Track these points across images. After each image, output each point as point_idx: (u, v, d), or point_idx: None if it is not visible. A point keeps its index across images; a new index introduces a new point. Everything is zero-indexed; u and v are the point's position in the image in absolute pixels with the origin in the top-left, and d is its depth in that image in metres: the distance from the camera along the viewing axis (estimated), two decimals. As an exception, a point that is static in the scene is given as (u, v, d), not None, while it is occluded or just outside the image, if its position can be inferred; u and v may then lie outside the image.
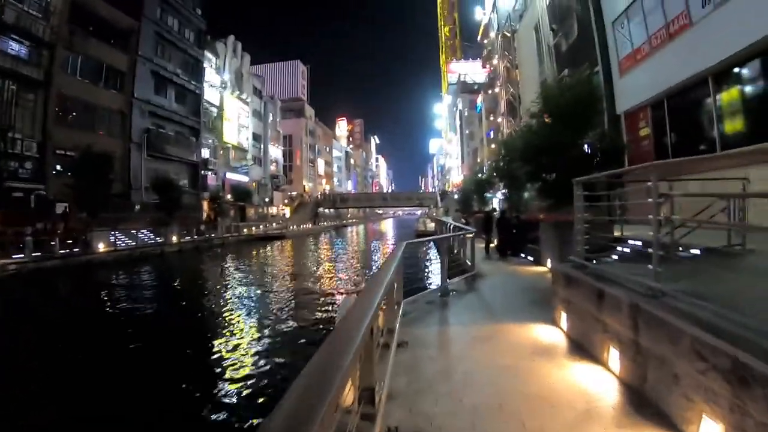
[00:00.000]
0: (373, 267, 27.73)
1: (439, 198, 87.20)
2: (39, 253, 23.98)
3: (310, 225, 73.58)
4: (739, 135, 12.43)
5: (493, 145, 53.49)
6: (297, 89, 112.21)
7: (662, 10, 15.39)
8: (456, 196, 62.79)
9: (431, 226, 49.05)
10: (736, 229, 7.07)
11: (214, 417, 7.50)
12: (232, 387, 8.65)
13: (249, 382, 8.78)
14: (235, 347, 11.35)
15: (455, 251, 15.48)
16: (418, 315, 7.86)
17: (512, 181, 23.40)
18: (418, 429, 3.83)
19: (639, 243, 8.42)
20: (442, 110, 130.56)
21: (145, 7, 42.81)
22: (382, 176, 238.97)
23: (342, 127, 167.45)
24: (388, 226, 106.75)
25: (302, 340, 11.84)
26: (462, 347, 6.18)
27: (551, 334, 6.44)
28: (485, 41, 64.18)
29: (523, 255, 16.54)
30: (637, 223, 11.84)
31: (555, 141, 12.28)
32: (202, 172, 52.06)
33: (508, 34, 45.17)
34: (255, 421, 7.15)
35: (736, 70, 12.62)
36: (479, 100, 68.60)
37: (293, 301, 17.11)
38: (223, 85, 60.44)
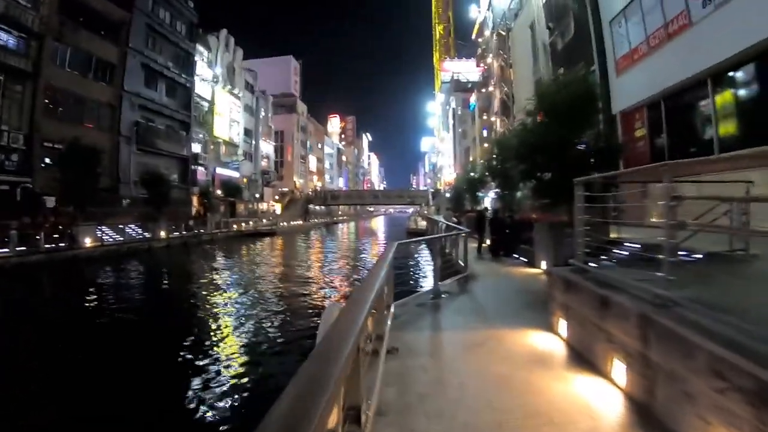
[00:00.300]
0: (363, 267, 27.27)
1: (430, 196, 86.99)
2: (24, 248, 23.47)
3: (301, 222, 73.09)
4: (737, 138, 12.22)
5: (486, 144, 53.33)
6: (289, 85, 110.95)
7: (661, 10, 15.16)
8: (448, 195, 62.55)
9: (423, 224, 48.89)
10: (742, 233, 6.82)
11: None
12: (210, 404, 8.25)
13: (226, 400, 8.35)
14: (215, 355, 10.91)
15: (447, 251, 15.18)
16: (409, 319, 7.51)
17: (505, 181, 23.18)
18: None
19: (637, 246, 8.16)
20: (435, 109, 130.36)
21: None
22: (374, 174, 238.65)
23: (334, 123, 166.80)
24: (379, 224, 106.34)
25: (288, 346, 11.43)
26: (455, 355, 5.84)
27: (549, 342, 6.11)
28: (480, 40, 64.11)
29: (516, 256, 16.23)
30: (632, 225, 11.66)
31: (551, 139, 12.03)
32: (192, 166, 51.49)
33: (503, 33, 45.00)
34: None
35: (737, 71, 12.42)
36: (472, 98, 68.37)
37: (279, 303, 16.60)
38: (215, 80, 59.80)
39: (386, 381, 4.63)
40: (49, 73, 32.81)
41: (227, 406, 7.98)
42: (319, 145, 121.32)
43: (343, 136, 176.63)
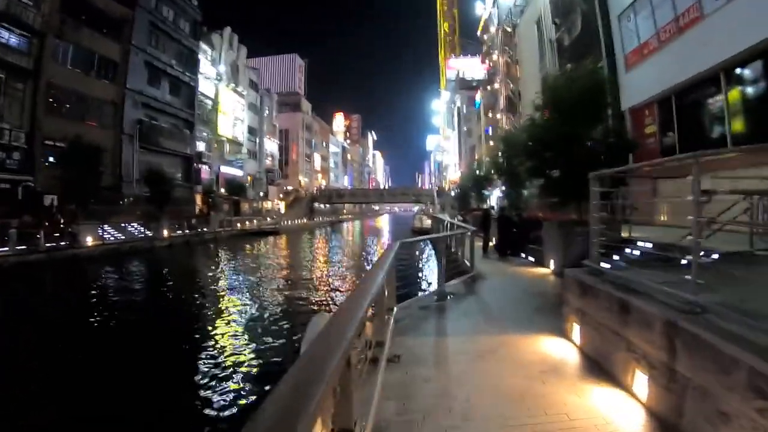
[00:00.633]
0: (370, 266, 26.84)
1: (435, 195, 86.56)
2: (24, 247, 23.16)
3: (305, 220, 72.73)
4: (751, 134, 11.77)
5: (491, 142, 52.90)
6: (294, 83, 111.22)
7: (672, 3, 14.78)
8: (453, 193, 62.18)
9: (428, 223, 48.52)
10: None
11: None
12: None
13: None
14: (209, 360, 10.45)
15: (453, 250, 14.81)
16: (412, 323, 7.09)
17: (512, 178, 22.82)
18: None
19: (649, 245, 7.80)
20: (440, 107, 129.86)
21: None
22: (379, 172, 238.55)
23: (339, 122, 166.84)
24: (384, 223, 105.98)
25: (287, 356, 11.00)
26: (462, 365, 5.37)
27: (562, 349, 5.70)
28: (485, 36, 63.52)
29: (523, 255, 15.83)
30: (651, 224, 11.27)
31: (561, 135, 11.66)
32: (196, 165, 51.13)
33: (509, 29, 44.56)
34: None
35: (751, 65, 11.98)
36: (478, 96, 67.90)
37: (281, 308, 15.89)
38: (219, 78, 59.37)
39: (386, 394, 4.25)
40: (50, 71, 32.44)
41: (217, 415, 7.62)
42: (324, 144, 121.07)
43: (348, 134, 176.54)
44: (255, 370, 9.65)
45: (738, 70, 12.39)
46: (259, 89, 74.89)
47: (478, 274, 11.61)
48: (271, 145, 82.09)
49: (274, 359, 10.26)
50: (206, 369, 9.63)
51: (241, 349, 11.25)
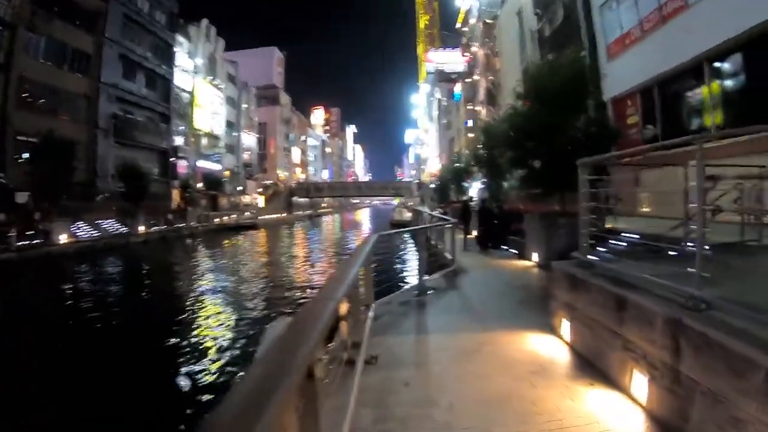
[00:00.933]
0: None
1: (415, 188, 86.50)
2: (-5, 245, 22.35)
3: (284, 214, 72.12)
4: (734, 125, 11.59)
5: (471, 134, 52.86)
6: (272, 76, 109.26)
7: (655, -8, 14.58)
8: (432, 186, 62.09)
9: (407, 215, 48.28)
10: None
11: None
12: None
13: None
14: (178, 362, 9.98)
15: (433, 243, 14.48)
16: (391, 320, 6.67)
17: (492, 169, 22.61)
18: None
19: (636, 236, 7.54)
20: (419, 100, 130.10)
21: None
22: (359, 166, 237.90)
23: (318, 115, 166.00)
24: (363, 216, 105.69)
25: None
26: (444, 366, 4.97)
27: (551, 347, 5.34)
28: (465, 29, 63.42)
29: (505, 248, 15.55)
30: (625, 214, 11.05)
31: (543, 124, 11.38)
32: (173, 159, 50.15)
33: (489, 21, 44.48)
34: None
35: (735, 55, 11.82)
36: (457, 88, 67.87)
37: (256, 306, 15.22)
38: (196, 71, 58.27)
39: (363, 400, 3.85)
40: (22, 64, 31.43)
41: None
42: (303, 137, 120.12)
43: (327, 127, 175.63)
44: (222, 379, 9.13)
45: (722, 60, 12.23)
46: (237, 82, 73.78)
47: (460, 268, 11.26)
48: (250, 139, 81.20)
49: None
50: (168, 373, 9.11)
51: (208, 353, 10.68)
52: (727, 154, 6.14)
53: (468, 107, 59.23)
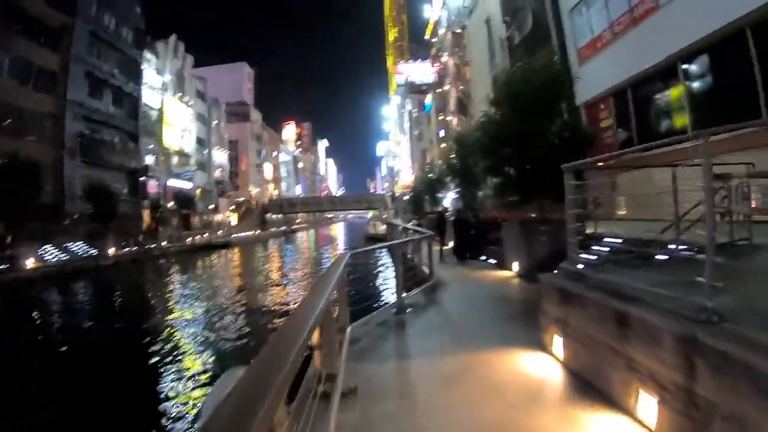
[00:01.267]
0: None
1: (389, 200, 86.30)
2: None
3: (258, 232, 71.20)
4: (714, 124, 11.44)
5: (443, 145, 52.91)
6: (243, 92, 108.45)
7: (626, -6, 14.58)
8: (406, 198, 61.92)
9: (382, 228, 47.89)
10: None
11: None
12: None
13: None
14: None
15: (409, 256, 14.05)
16: (369, 344, 6.15)
17: (466, 179, 22.37)
18: None
19: (618, 241, 7.23)
20: (390, 112, 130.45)
21: (79, 3, 39.53)
22: (332, 180, 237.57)
23: (290, 131, 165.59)
24: (338, 231, 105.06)
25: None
26: (430, 394, 4.48)
27: (544, 366, 4.91)
28: (434, 40, 63.79)
29: (483, 258, 15.21)
30: (604, 219, 10.79)
31: (517, 130, 11.10)
32: (143, 179, 49.06)
33: (458, 31, 44.68)
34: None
35: (710, 53, 11.71)
36: (428, 99, 68.14)
37: (226, 337, 14.11)
38: (164, 88, 57.22)
39: (340, 443, 3.38)
40: (-16, 84, 30.34)
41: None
42: (275, 153, 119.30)
43: (299, 143, 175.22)
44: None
45: (696, 59, 12.15)
46: (206, 99, 72.82)
47: (439, 282, 10.84)
48: (221, 156, 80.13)
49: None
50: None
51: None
52: (715, 152, 5.87)
53: (439, 117, 59.46)
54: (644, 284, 3.88)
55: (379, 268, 26.08)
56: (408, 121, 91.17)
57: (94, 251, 32.86)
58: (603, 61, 16.04)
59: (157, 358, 11.73)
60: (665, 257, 5.90)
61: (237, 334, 14.40)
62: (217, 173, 76.53)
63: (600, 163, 5.74)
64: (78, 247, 32.03)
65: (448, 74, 51.64)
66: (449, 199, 38.99)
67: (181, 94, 62.22)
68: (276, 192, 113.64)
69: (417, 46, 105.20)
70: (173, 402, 9.06)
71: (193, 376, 10.43)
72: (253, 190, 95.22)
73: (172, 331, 14.88)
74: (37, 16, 35.37)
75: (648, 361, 3.42)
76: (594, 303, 4.21)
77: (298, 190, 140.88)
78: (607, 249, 7.06)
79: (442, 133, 57.59)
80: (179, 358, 11.86)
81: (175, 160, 59.99)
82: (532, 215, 12.67)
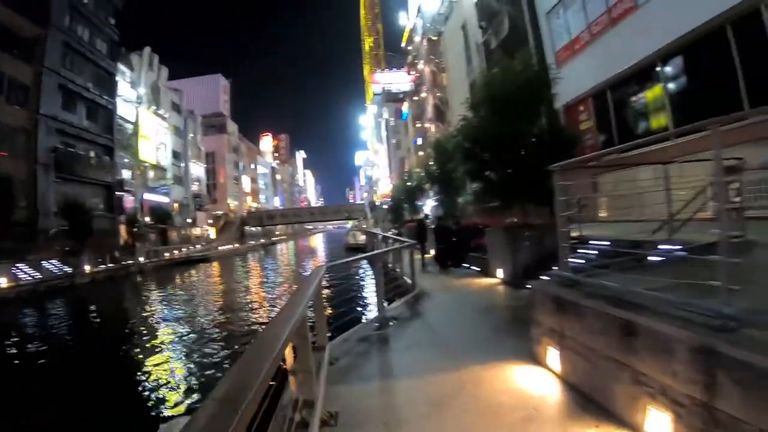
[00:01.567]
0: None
1: (368, 210, 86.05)
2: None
3: (237, 245, 70.27)
4: (695, 121, 11.31)
5: (421, 152, 52.84)
6: (219, 104, 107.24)
7: (603, -5, 14.51)
8: (385, 206, 61.65)
9: (362, 238, 47.52)
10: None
11: None
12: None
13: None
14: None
15: (390, 266, 13.68)
16: (350, 362, 5.73)
17: (446, 185, 22.12)
18: None
19: (606, 244, 6.99)
20: (367, 122, 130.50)
21: (52, 14, 38.68)
22: (310, 191, 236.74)
23: (267, 142, 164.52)
24: (318, 241, 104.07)
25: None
26: (419, 420, 4.03)
27: (540, 381, 4.55)
28: (410, 47, 63.86)
29: (466, 265, 14.89)
30: (588, 221, 10.56)
31: (496, 134, 10.86)
32: (118, 193, 47.97)
33: (434, 38, 44.67)
34: None
35: (689, 51, 11.60)
36: (405, 107, 68.15)
37: (203, 358, 13.29)
38: (139, 100, 56.15)
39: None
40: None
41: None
42: (253, 165, 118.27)
43: (276, 154, 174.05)
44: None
45: (676, 57, 12.04)
46: (182, 111, 71.67)
47: (422, 292, 10.45)
48: (198, 169, 78.96)
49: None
50: None
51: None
52: (702, 148, 5.63)
53: (417, 125, 59.48)
54: (645, 289, 3.58)
55: (360, 279, 25.62)
56: (385, 130, 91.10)
57: (69, 269, 31.89)
58: (581, 62, 15.93)
59: (107, 397, 10.86)
60: (658, 259, 5.65)
61: (210, 360, 13.05)
62: (194, 186, 75.33)
63: (591, 162, 5.44)
64: (53, 264, 31.04)
65: (424, 82, 51.66)
66: (429, 206, 38.76)
67: (156, 106, 61.14)
68: (255, 204, 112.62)
69: (393, 54, 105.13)
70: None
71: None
72: (232, 203, 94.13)
73: (139, 358, 13.86)
74: (7, 27, 34.50)
75: (658, 374, 3.09)
76: (593, 311, 3.87)
77: (277, 202, 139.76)
78: (595, 252, 6.81)
79: (419, 141, 57.55)
80: (137, 394, 11.00)
81: (151, 174, 58.81)
82: (514, 220, 12.42)
